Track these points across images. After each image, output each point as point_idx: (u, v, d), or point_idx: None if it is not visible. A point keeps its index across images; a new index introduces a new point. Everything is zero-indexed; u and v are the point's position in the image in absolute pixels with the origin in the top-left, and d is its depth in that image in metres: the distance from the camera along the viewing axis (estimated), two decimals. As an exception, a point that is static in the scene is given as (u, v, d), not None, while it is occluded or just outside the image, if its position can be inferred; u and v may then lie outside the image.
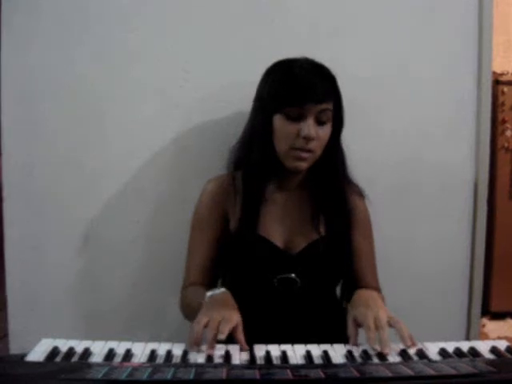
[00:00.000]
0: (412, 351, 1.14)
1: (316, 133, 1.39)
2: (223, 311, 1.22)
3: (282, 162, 1.45)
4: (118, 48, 1.76)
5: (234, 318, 1.20)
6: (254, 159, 1.48)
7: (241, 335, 1.18)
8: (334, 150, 1.49)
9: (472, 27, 1.88)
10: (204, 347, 1.13)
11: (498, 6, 1.90)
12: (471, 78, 1.90)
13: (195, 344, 1.14)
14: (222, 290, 1.36)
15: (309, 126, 1.37)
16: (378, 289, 1.57)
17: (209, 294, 1.33)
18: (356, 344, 1.20)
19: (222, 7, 1.77)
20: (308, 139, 1.38)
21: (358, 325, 1.24)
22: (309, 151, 1.41)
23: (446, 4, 1.86)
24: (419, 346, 1.17)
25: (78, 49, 1.75)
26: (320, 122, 1.40)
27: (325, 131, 1.42)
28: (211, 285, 1.51)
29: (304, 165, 1.43)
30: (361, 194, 1.59)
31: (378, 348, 1.14)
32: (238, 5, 1.77)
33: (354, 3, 1.82)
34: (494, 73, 2.10)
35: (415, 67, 1.86)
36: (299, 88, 1.38)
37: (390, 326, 1.20)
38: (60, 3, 1.73)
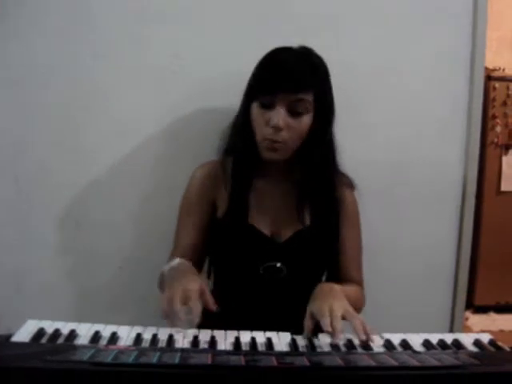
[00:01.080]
0: (396, 341, 1.15)
1: (286, 123, 1.36)
2: (183, 281, 1.21)
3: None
4: (109, 34, 1.75)
5: (194, 287, 1.18)
6: (238, 147, 1.49)
7: (207, 297, 1.18)
8: (319, 141, 1.46)
9: (466, 23, 1.88)
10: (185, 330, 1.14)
11: (491, 1, 1.90)
12: (464, 74, 1.91)
13: (168, 320, 1.14)
14: (178, 260, 1.37)
15: (277, 116, 1.35)
16: (359, 282, 1.57)
17: (166, 267, 1.36)
18: (309, 337, 1.18)
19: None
20: (276, 129, 1.36)
21: (314, 318, 1.22)
22: (278, 142, 1.39)
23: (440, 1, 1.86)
24: (376, 338, 1.17)
25: (68, 36, 1.73)
26: (294, 113, 1.37)
27: (300, 122, 1.39)
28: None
29: (276, 156, 1.42)
30: (351, 186, 1.58)
31: (330, 330, 1.13)
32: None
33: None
34: (486, 68, 2.10)
35: (407, 62, 1.86)
36: (271, 76, 1.37)
37: (344, 319, 1.18)
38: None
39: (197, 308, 1.15)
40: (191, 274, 1.28)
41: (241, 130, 1.47)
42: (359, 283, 1.56)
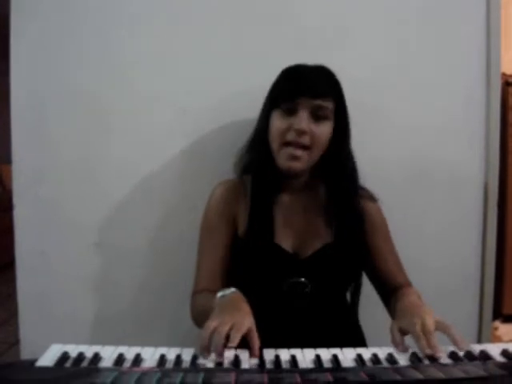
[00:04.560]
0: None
1: (309, 128, 1.38)
2: (235, 315, 1.15)
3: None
4: (126, 55, 1.78)
5: (245, 323, 1.12)
6: (257, 161, 1.49)
7: (254, 340, 1.12)
8: (339, 152, 1.47)
9: (480, 28, 1.87)
10: (213, 354, 1.08)
11: (506, 7, 1.88)
12: (480, 80, 1.90)
13: (205, 351, 1.09)
14: (233, 289, 1.29)
15: (300, 119, 1.37)
16: (409, 284, 1.55)
17: (219, 294, 1.27)
18: (405, 350, 1.17)
19: (233, 15, 1.79)
20: (300, 132, 1.37)
21: (403, 333, 1.22)
22: (302, 147, 1.39)
23: (454, 6, 1.86)
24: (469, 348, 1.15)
25: (86, 57, 1.77)
26: (316, 117, 1.39)
27: (322, 129, 1.40)
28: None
29: (298, 165, 1.41)
30: (372, 198, 1.57)
31: (429, 352, 1.11)
32: (247, 13, 1.80)
33: (361, 6, 1.83)
34: (504, 74, 2.08)
35: (424, 68, 1.86)
36: (293, 82, 1.40)
37: (438, 330, 1.17)
38: (71, 14, 1.76)
39: (235, 339, 1.07)
40: (244, 311, 1.20)
41: (259, 142, 1.48)
42: (410, 285, 1.54)
